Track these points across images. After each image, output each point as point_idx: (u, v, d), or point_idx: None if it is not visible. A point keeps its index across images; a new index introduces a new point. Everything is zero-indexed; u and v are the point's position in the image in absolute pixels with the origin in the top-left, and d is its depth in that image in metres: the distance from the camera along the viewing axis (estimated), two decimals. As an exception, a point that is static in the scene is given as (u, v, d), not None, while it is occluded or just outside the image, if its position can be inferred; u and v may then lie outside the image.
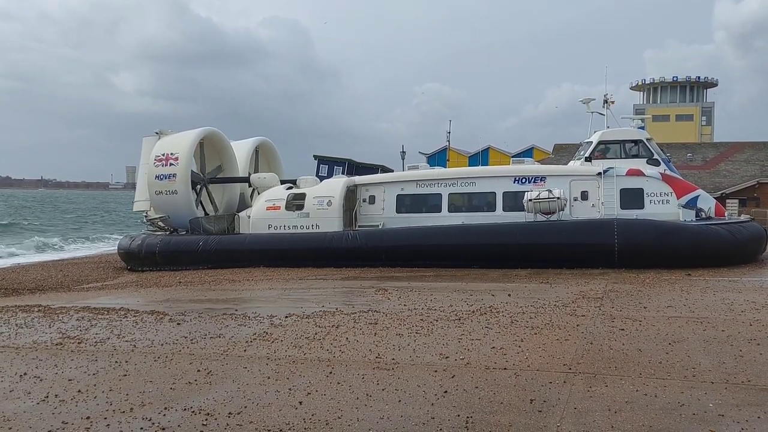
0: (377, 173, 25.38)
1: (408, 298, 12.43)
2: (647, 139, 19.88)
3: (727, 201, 34.42)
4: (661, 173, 19.08)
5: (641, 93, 71.55)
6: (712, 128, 67.41)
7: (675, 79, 67.99)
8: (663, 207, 18.62)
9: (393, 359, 7.63)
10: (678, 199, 18.71)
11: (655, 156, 19.55)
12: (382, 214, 20.95)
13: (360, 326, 9.60)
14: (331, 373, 7.11)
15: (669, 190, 18.82)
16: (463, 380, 6.69)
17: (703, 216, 18.52)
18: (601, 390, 6.26)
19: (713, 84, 69.07)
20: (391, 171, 27.53)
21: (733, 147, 47.22)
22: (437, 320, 9.93)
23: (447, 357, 7.66)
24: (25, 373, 7.41)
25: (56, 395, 6.54)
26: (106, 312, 11.56)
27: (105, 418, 5.81)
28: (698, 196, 18.99)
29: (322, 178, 23.41)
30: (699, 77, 68.01)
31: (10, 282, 18.25)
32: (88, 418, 5.83)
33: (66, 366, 7.72)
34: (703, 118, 67.17)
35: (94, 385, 6.88)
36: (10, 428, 5.61)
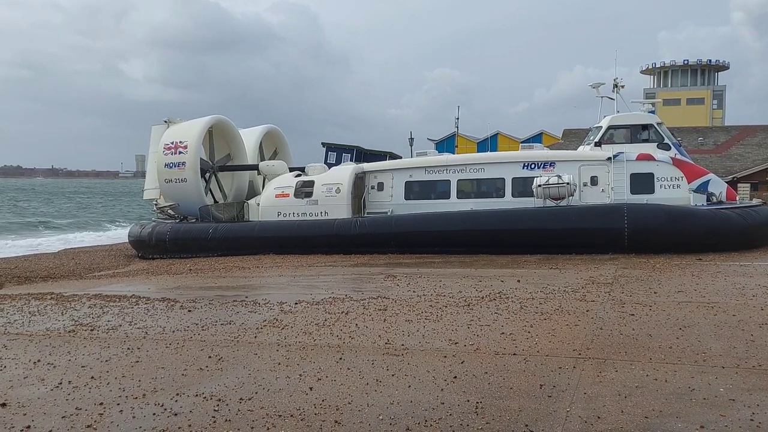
0: (386, 160, 25.36)
1: (417, 284, 12.45)
2: (658, 124, 19.72)
3: (739, 185, 34.06)
4: (671, 158, 18.95)
5: (652, 77, 70.81)
6: (723, 112, 66.66)
7: (686, 62, 67.18)
8: (673, 192, 18.51)
9: (402, 345, 7.65)
10: (689, 183, 18.60)
11: (666, 140, 19.39)
12: (391, 200, 20.96)
13: (369, 312, 9.64)
14: (340, 359, 7.14)
15: (680, 174, 18.71)
16: (473, 366, 6.70)
17: (714, 200, 18.40)
18: (611, 375, 6.26)
19: (725, 67, 68.22)
20: (400, 158, 27.51)
21: (744, 130, 46.66)
22: (446, 306, 9.94)
23: (456, 343, 7.67)
24: (38, 360, 7.50)
25: (69, 382, 6.61)
26: (117, 299, 11.66)
27: (118, 404, 5.88)
28: (709, 180, 18.87)
29: (330, 166, 23.41)
30: (710, 60, 67.14)
31: (23, 270, 18.43)
32: (101, 404, 5.90)
33: (79, 353, 7.81)
34: (714, 101, 66.41)
35: (107, 371, 6.96)
36: (25, 414, 5.69)
